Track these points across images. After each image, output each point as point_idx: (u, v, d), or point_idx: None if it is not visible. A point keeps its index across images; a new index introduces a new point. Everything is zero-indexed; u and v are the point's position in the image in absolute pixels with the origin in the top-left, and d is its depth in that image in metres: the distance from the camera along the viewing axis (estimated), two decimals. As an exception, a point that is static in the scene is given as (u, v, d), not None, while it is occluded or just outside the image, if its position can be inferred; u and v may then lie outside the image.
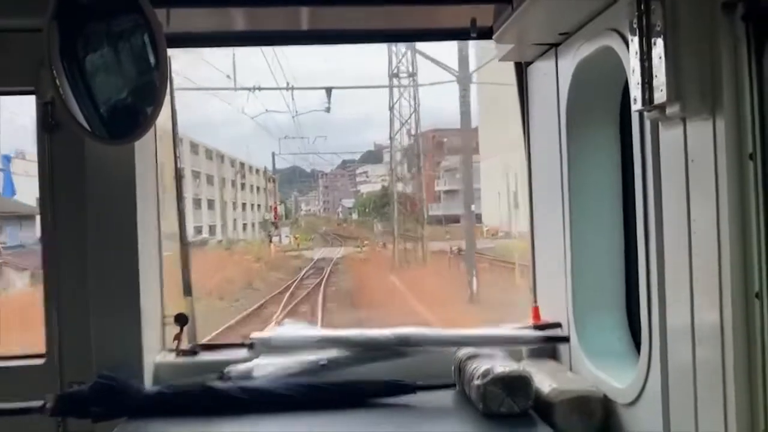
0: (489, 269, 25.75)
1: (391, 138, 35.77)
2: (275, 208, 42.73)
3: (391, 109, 34.77)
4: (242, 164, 44.24)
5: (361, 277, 27.33)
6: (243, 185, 44.01)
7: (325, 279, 26.62)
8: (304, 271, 29.66)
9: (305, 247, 40.01)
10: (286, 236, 40.79)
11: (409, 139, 35.52)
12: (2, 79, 3.43)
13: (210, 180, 39.51)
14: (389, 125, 34.99)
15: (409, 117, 34.41)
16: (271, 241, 38.03)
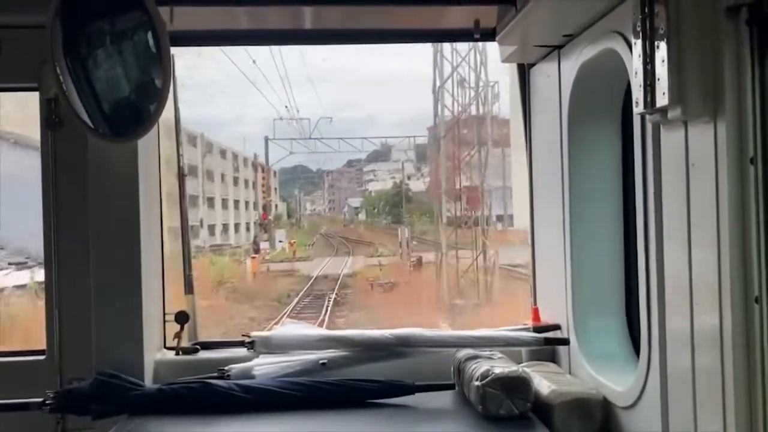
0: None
1: (435, 91, 23.18)
2: (264, 205, 34.77)
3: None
4: (235, 155, 37.46)
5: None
6: (237, 179, 37.43)
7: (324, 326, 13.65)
8: (293, 305, 18.42)
9: (303, 256, 30.17)
10: (280, 241, 31.80)
11: (463, 90, 22.55)
12: (5, 75, 3.44)
13: (210, 175, 33.32)
14: (433, 70, 23.04)
15: (468, 54, 22.47)
16: (257, 251, 28.46)
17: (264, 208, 34.43)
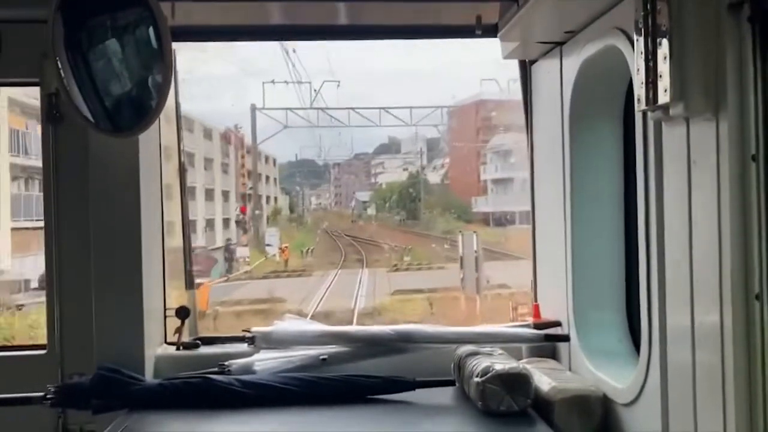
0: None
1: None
2: (245, 195, 26.15)
3: None
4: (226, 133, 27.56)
5: None
6: (226, 166, 28.76)
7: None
8: None
9: (298, 267, 20.58)
10: (269, 245, 22.88)
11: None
12: (7, 70, 3.44)
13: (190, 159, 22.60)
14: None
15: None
16: (230, 263, 19.47)
17: (243, 199, 24.99)
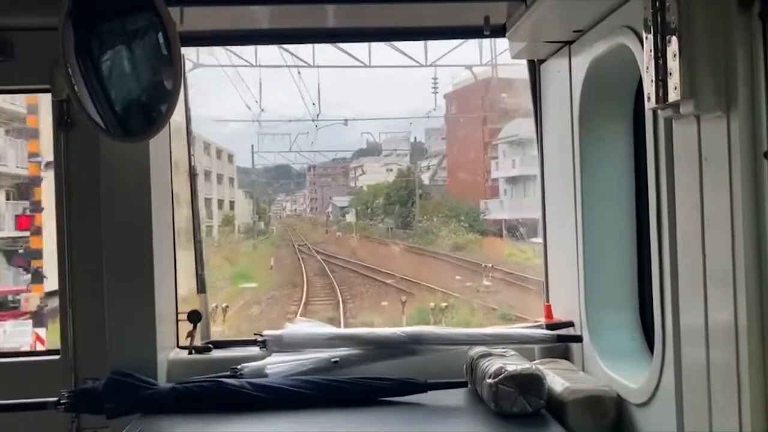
0: None
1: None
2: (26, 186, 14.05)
3: None
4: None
5: None
6: None
7: None
8: None
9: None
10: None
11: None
12: (18, 77, 3.47)
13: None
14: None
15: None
16: None
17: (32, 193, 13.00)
